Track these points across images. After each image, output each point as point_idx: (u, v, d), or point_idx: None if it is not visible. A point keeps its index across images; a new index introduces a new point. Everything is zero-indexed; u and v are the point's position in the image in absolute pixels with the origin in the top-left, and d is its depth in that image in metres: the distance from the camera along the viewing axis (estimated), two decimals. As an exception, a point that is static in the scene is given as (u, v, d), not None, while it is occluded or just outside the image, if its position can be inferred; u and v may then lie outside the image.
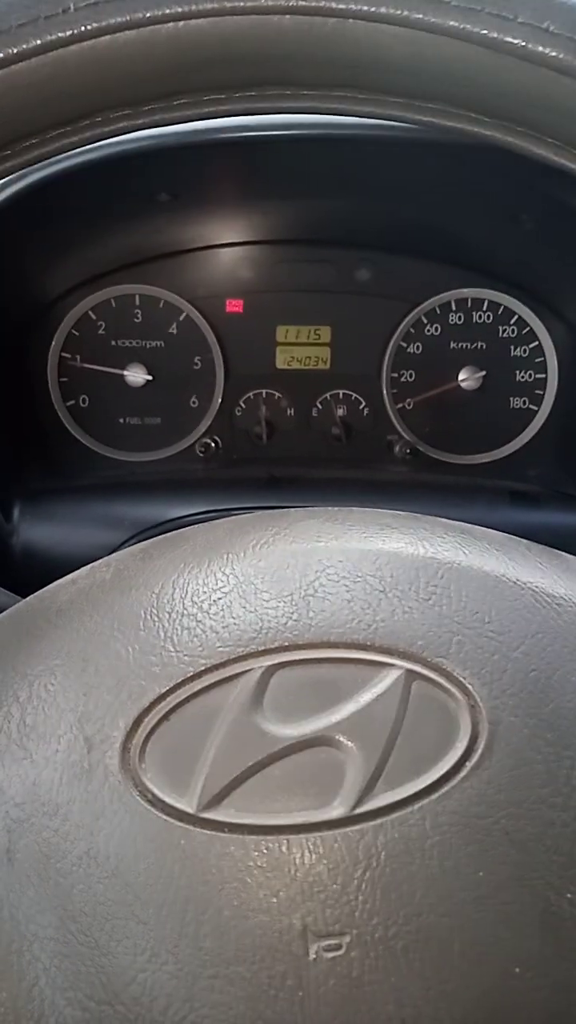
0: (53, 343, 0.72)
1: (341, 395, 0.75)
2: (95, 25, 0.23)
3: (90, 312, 0.72)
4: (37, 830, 0.23)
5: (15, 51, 0.23)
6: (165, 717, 0.24)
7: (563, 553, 0.29)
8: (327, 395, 0.75)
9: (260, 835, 0.22)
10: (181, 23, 0.24)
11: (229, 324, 0.74)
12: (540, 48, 0.23)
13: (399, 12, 0.23)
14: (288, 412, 0.75)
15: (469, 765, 0.23)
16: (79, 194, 0.59)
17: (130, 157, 0.56)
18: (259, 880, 0.22)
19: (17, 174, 0.57)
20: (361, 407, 0.75)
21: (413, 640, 0.25)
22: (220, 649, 0.25)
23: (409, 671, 0.24)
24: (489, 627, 0.25)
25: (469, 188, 0.65)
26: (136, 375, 0.73)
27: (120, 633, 0.26)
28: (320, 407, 0.75)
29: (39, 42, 0.23)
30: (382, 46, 0.24)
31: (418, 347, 0.74)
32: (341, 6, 0.23)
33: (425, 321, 0.74)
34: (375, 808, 0.22)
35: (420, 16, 0.23)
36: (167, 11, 0.23)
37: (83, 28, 0.23)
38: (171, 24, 0.24)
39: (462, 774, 0.23)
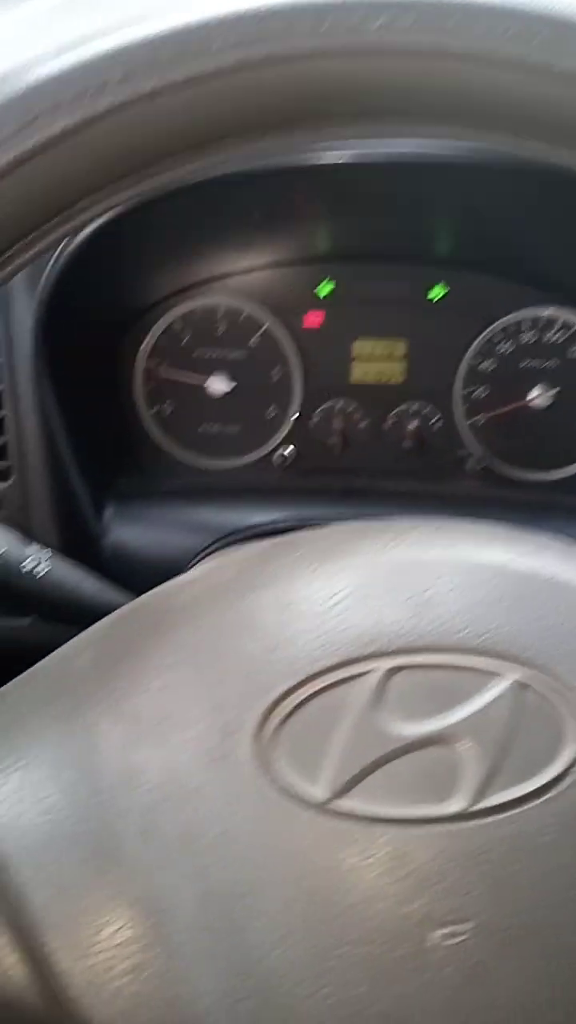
0: (140, 351, 0.75)
1: (414, 409, 0.77)
2: (238, 59, 0.25)
3: (175, 323, 0.75)
4: (174, 812, 0.25)
5: (169, 82, 0.26)
6: (294, 710, 0.26)
7: None
8: (400, 409, 0.77)
9: (385, 825, 0.24)
10: (311, 61, 0.26)
11: (308, 337, 0.76)
12: None
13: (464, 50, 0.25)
14: (362, 424, 0.77)
15: None
16: (182, 211, 0.62)
17: (231, 178, 0.59)
18: (384, 867, 0.24)
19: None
20: (433, 421, 0.77)
21: (525, 648, 0.27)
22: (342, 650, 0.27)
23: (521, 678, 0.26)
24: None
25: (546, 211, 0.66)
26: (218, 384, 0.76)
27: (246, 630, 0.28)
28: (393, 420, 0.77)
29: (184, 76, 0.26)
30: (499, 85, 0.25)
31: (491, 364, 0.76)
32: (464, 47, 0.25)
33: (498, 338, 0.75)
34: (491, 806, 0.24)
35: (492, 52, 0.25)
36: (302, 49, 0.25)
37: (225, 63, 0.25)
38: (303, 63, 0.26)
39: (572, 777, 0.25)
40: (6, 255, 0.27)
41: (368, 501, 0.70)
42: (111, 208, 0.28)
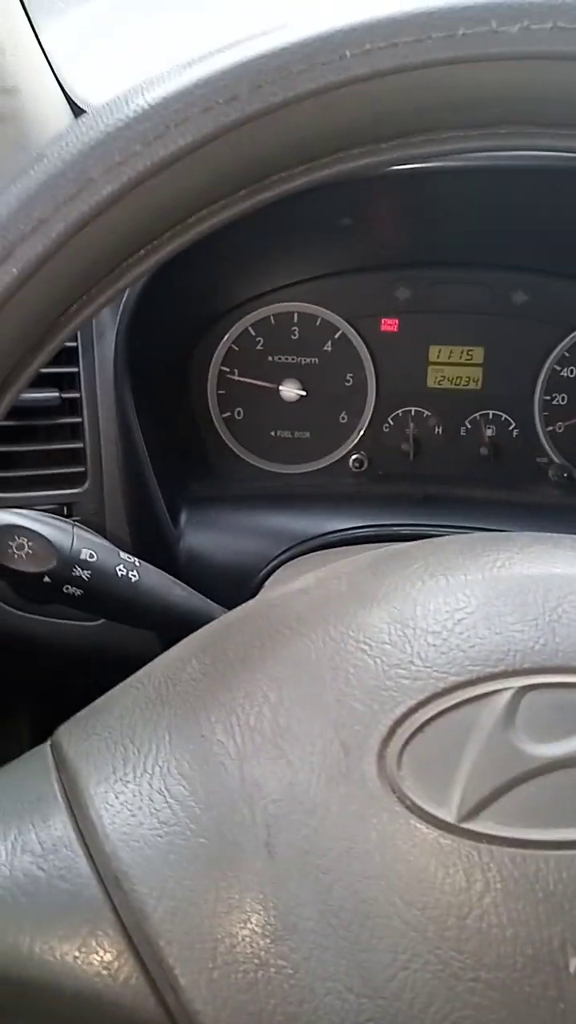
0: (214, 356, 0.75)
1: (491, 415, 0.75)
2: (367, 70, 0.25)
3: (250, 328, 0.75)
4: (296, 827, 0.25)
5: (292, 95, 0.25)
6: (420, 729, 0.25)
7: None
8: (476, 415, 0.75)
9: (519, 848, 0.23)
10: (446, 68, 0.25)
11: (383, 343, 0.75)
12: None
13: None
14: (436, 430, 0.76)
15: None
16: (268, 220, 0.62)
17: (320, 187, 0.59)
18: (520, 891, 0.23)
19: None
20: (511, 428, 0.75)
21: None
22: (470, 668, 0.26)
23: None
24: None
25: None
26: (290, 390, 0.75)
27: (366, 645, 0.27)
28: (469, 427, 0.76)
29: (314, 86, 0.25)
30: None
31: (572, 371, 0.74)
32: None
33: (581, 345, 0.74)
34: None
35: None
36: (436, 57, 0.25)
37: (355, 73, 0.25)
38: (418, 72, 0.25)
39: None
40: (126, 263, 0.26)
41: (444, 508, 0.69)
42: (225, 223, 0.27)
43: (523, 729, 0.25)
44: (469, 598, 0.28)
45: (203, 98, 0.24)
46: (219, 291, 0.72)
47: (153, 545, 0.65)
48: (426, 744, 0.25)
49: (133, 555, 0.51)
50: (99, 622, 0.64)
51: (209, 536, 0.67)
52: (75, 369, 0.63)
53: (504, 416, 0.75)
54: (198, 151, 0.25)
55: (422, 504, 0.69)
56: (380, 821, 0.24)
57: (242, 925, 0.24)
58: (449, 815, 0.24)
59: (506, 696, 0.25)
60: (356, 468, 0.76)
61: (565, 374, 0.74)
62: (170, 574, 0.54)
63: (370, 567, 0.31)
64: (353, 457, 0.76)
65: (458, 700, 0.25)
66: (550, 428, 0.75)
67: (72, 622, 0.65)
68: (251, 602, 0.33)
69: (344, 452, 0.77)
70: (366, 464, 0.76)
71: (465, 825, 0.24)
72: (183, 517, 0.68)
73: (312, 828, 0.24)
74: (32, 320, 0.26)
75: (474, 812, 0.24)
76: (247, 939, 0.24)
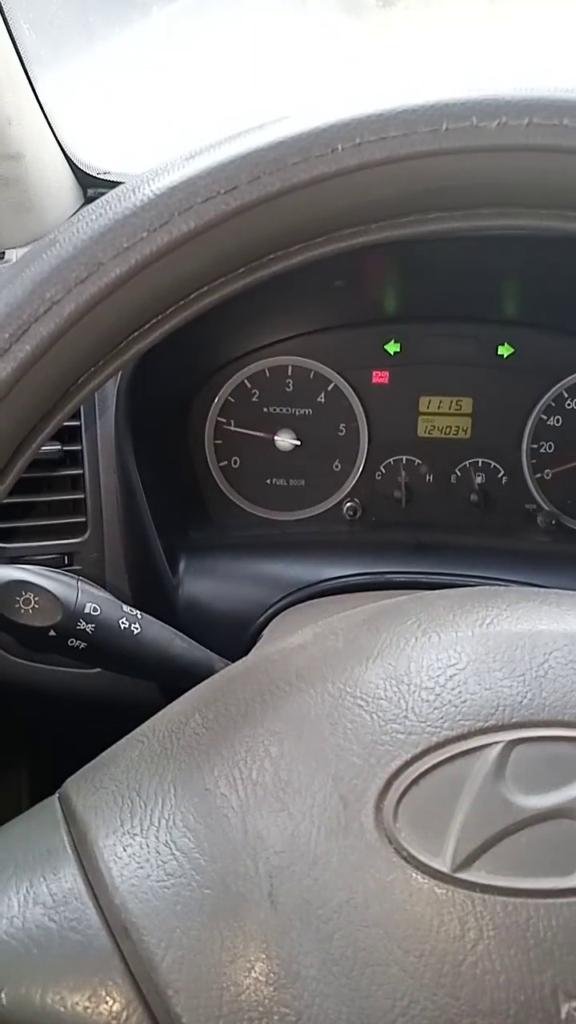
0: (212, 408, 0.77)
1: (480, 463, 0.77)
2: (356, 162, 0.27)
3: (246, 381, 0.77)
4: (298, 878, 0.26)
5: (288, 184, 0.27)
6: (415, 782, 0.27)
7: None
8: (466, 463, 0.77)
9: (511, 896, 0.24)
10: (432, 160, 0.27)
11: (374, 394, 0.77)
12: None
13: None
14: (427, 478, 0.78)
15: None
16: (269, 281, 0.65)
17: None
18: (512, 939, 0.24)
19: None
20: (500, 476, 0.77)
21: None
22: (461, 722, 0.27)
23: None
24: None
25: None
26: (285, 440, 0.77)
27: (363, 700, 0.29)
28: (459, 474, 0.78)
29: (307, 177, 0.27)
30: None
31: (558, 420, 0.76)
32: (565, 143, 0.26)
33: (566, 395, 0.76)
34: None
35: None
36: (420, 150, 0.27)
37: (346, 164, 0.27)
38: (421, 161, 0.27)
39: None
40: (132, 336, 0.28)
41: (437, 556, 0.70)
42: (226, 297, 0.29)
43: (513, 781, 0.26)
44: (460, 654, 0.29)
45: (206, 188, 0.26)
46: (217, 345, 0.75)
47: (152, 593, 0.66)
48: (421, 796, 0.26)
49: (132, 603, 0.52)
50: (94, 670, 0.65)
51: (207, 584, 0.68)
52: (77, 423, 0.64)
53: (493, 464, 0.77)
54: (200, 236, 0.27)
55: (415, 551, 0.71)
56: (378, 871, 0.25)
57: (247, 973, 0.25)
58: (443, 865, 0.25)
59: (496, 749, 0.27)
60: (350, 516, 0.77)
61: (551, 423, 0.76)
62: (169, 622, 0.55)
63: (365, 623, 0.33)
64: (347, 504, 0.78)
65: (451, 754, 0.27)
66: (538, 475, 0.77)
67: (71, 670, 0.66)
68: (251, 656, 0.35)
69: (338, 499, 0.78)
70: (360, 511, 0.78)
71: (459, 875, 0.25)
72: (182, 565, 0.70)
73: (313, 879, 0.26)
74: (45, 392, 0.27)
75: (467, 862, 0.25)
76: (251, 987, 0.24)
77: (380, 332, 0.77)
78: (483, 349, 0.76)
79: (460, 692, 0.28)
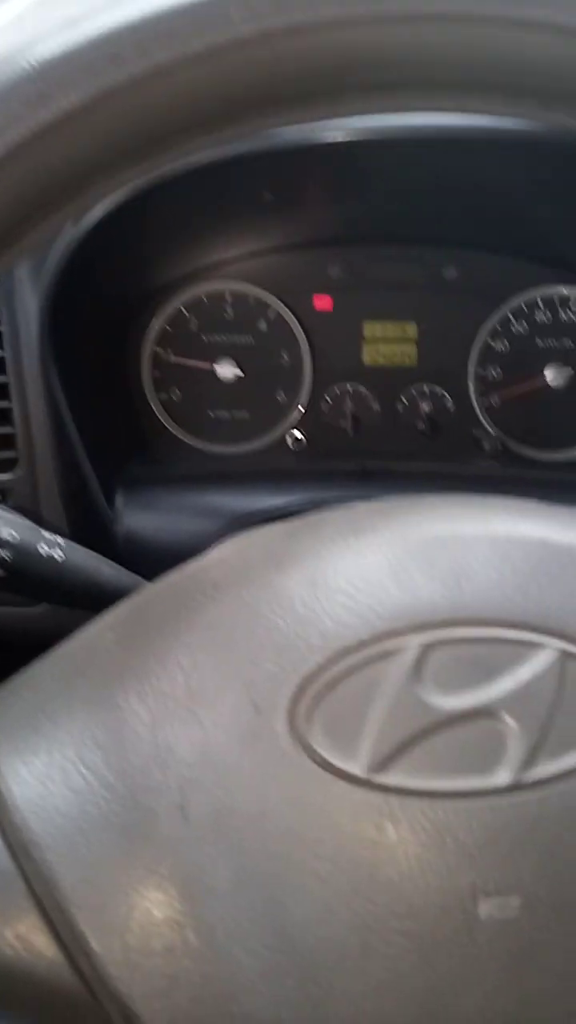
0: (147, 338, 0.74)
1: (427, 390, 0.76)
2: (256, 32, 0.24)
3: (182, 308, 0.74)
4: (209, 789, 0.24)
5: (181, 55, 0.25)
6: (328, 686, 0.25)
7: None
8: (413, 390, 0.76)
9: (428, 799, 0.24)
10: (337, 30, 0.25)
11: (317, 320, 0.75)
12: None
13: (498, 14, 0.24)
14: (374, 406, 0.76)
15: None
16: (187, 196, 0.61)
17: (242, 160, 0.58)
18: (428, 842, 0.23)
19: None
20: (447, 403, 0.76)
21: (567, 620, 0.26)
22: (378, 624, 0.26)
23: (564, 651, 0.25)
24: None
25: (559, 185, 0.65)
26: (226, 369, 0.75)
27: (278, 607, 0.27)
28: (406, 402, 0.76)
29: (205, 47, 0.25)
30: (525, 50, 0.24)
31: (505, 344, 0.75)
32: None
33: (512, 318, 0.74)
34: (539, 778, 0.24)
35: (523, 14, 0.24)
36: (325, 15, 0.24)
37: (245, 35, 0.24)
38: (327, 32, 0.25)
39: None
40: (16, 232, 0.26)
41: (382, 482, 0.69)
42: (121, 186, 0.27)
43: (431, 682, 0.25)
44: (379, 558, 0.28)
45: (90, 61, 0.24)
46: (146, 271, 0.71)
47: (89, 528, 0.64)
48: (336, 700, 0.25)
49: (71, 539, 0.50)
50: (40, 608, 0.63)
51: (148, 518, 0.66)
52: (1, 354, 0.62)
53: (440, 391, 0.76)
54: (84, 114, 0.24)
55: (361, 478, 0.70)
56: (291, 778, 0.24)
57: (156, 889, 0.24)
58: (358, 769, 0.24)
59: (414, 650, 0.25)
60: (295, 446, 0.76)
61: (498, 347, 0.75)
62: (109, 557, 0.53)
63: (285, 533, 0.31)
64: (292, 435, 0.76)
65: (367, 656, 0.26)
66: (486, 401, 0.75)
67: (15, 609, 0.65)
68: (171, 573, 0.33)
69: (283, 431, 0.76)
70: (306, 442, 0.76)
71: (374, 778, 0.24)
72: (119, 499, 0.67)
73: (225, 789, 0.24)
74: None
75: (383, 765, 0.24)
76: (162, 903, 0.23)
77: (321, 255, 0.74)
78: (428, 272, 0.74)
79: (377, 595, 0.27)
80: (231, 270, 0.74)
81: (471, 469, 0.73)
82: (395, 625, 0.26)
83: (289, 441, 0.76)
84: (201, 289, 0.74)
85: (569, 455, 0.74)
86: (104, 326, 0.71)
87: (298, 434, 0.76)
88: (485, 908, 0.23)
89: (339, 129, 0.60)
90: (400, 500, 0.33)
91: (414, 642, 0.26)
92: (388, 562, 0.28)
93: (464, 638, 0.26)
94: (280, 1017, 0.23)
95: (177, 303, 0.74)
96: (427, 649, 0.25)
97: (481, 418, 0.75)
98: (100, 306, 0.69)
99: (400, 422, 0.76)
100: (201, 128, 0.27)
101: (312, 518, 0.33)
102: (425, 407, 0.75)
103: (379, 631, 0.26)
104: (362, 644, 0.26)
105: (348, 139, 0.59)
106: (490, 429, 0.75)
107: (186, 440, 0.76)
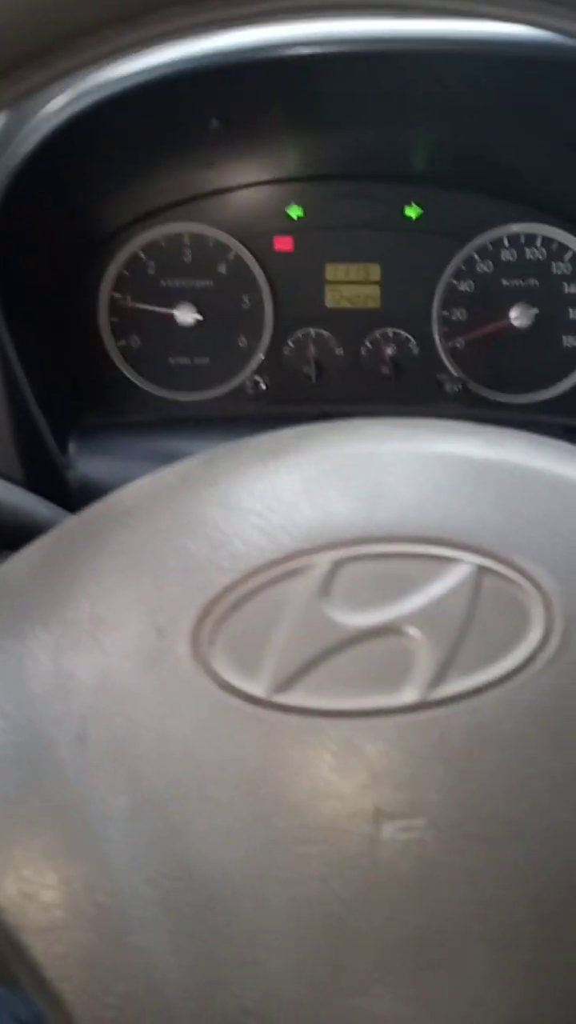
0: (103, 283, 0.72)
1: (391, 334, 0.74)
2: None
3: (139, 252, 0.72)
4: (110, 715, 0.24)
5: None
6: (234, 607, 0.24)
7: None
8: (377, 334, 0.74)
9: (332, 718, 0.23)
10: None
11: (278, 263, 0.73)
12: None
13: None
14: (337, 351, 0.75)
15: (543, 657, 0.23)
16: (131, 122, 0.59)
17: (179, 80, 0.56)
18: (331, 762, 0.22)
19: (72, 99, 0.57)
20: (411, 346, 0.74)
21: (484, 536, 0.25)
22: (288, 544, 0.25)
23: (481, 565, 0.24)
24: (561, 525, 0.25)
25: (527, 112, 0.63)
26: (186, 314, 0.73)
27: (189, 530, 0.26)
28: (369, 346, 0.75)
29: None
30: None
31: (469, 285, 0.73)
32: None
33: (477, 258, 0.73)
34: (448, 696, 0.23)
35: None
36: None
37: None
38: None
39: (536, 666, 0.23)
40: None
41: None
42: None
43: (339, 600, 0.24)
44: (295, 478, 0.27)
45: None
46: (95, 210, 0.69)
47: (42, 475, 0.63)
48: (241, 621, 0.24)
49: (23, 486, 0.49)
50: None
51: (103, 463, 0.65)
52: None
53: (404, 334, 0.74)
54: None
55: (322, 421, 0.68)
56: (191, 702, 0.23)
57: (53, 819, 0.23)
58: (260, 690, 0.23)
59: (323, 568, 0.25)
60: (258, 391, 0.74)
61: (463, 288, 0.73)
62: (63, 503, 0.52)
63: (204, 459, 0.30)
64: (255, 379, 0.75)
65: (274, 576, 0.25)
66: (450, 344, 0.74)
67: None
68: (94, 504, 0.32)
69: (245, 377, 0.75)
70: (269, 388, 0.75)
71: (276, 699, 0.23)
72: (73, 446, 0.66)
73: (126, 715, 0.24)
74: None
75: (286, 685, 0.23)
76: (59, 832, 0.23)
77: (281, 195, 0.72)
78: (389, 211, 0.72)
79: (290, 514, 0.26)
80: (188, 211, 0.72)
81: (432, 411, 0.72)
82: (306, 544, 0.25)
83: (249, 387, 0.74)
84: (158, 232, 0.72)
85: (533, 397, 0.73)
86: (55, 271, 0.70)
87: (260, 380, 0.75)
88: (388, 829, 0.22)
89: (286, 44, 0.57)
90: (330, 422, 0.32)
91: (324, 560, 0.25)
92: (304, 482, 0.27)
93: (377, 553, 0.25)
94: (178, 947, 0.22)
95: (134, 247, 0.72)
96: (337, 566, 0.25)
97: (446, 361, 0.74)
98: (49, 250, 0.67)
99: (364, 366, 0.75)
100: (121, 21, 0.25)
101: (232, 444, 0.32)
102: (389, 351, 0.74)
103: (289, 550, 0.25)
104: (271, 564, 0.25)
105: (295, 54, 0.57)
106: (454, 372, 0.74)
107: (146, 388, 0.75)
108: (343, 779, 0.22)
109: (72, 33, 0.25)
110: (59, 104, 0.56)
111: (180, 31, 0.26)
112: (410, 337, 0.74)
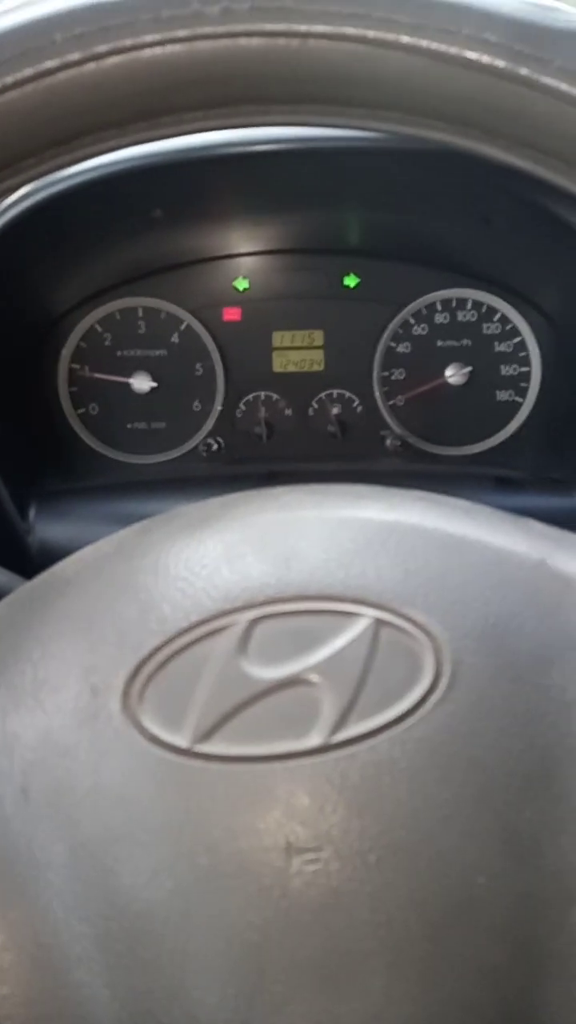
0: (63, 355, 0.76)
1: (336, 395, 0.79)
2: (80, 55, 0.25)
3: (96, 325, 0.77)
4: (49, 769, 0.26)
5: (11, 80, 0.25)
6: (161, 665, 0.27)
7: (525, 517, 0.31)
8: (323, 395, 0.79)
9: (247, 763, 0.25)
10: (159, 49, 0.25)
11: (228, 332, 0.78)
12: (481, 57, 0.25)
13: (357, 32, 0.25)
14: (286, 412, 0.79)
15: (433, 699, 0.25)
16: (79, 215, 0.64)
17: (123, 177, 0.61)
18: (247, 803, 0.25)
19: (21, 196, 0.61)
20: (355, 405, 0.79)
21: (382, 592, 0.28)
22: (209, 606, 0.28)
23: (378, 618, 0.27)
24: (452, 579, 0.28)
25: (443, 194, 0.68)
26: (142, 382, 0.77)
27: (122, 596, 0.29)
28: (316, 407, 0.79)
29: (31, 71, 0.25)
30: (342, 63, 0.25)
31: (407, 346, 0.78)
32: (303, 28, 0.25)
33: (412, 322, 0.78)
34: (348, 737, 0.25)
35: (375, 34, 0.25)
36: (146, 39, 0.25)
37: (69, 58, 0.25)
38: (149, 51, 0.25)
39: (427, 707, 0.25)
40: None
41: (291, 482, 0.72)
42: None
43: (254, 656, 0.27)
44: (218, 545, 0.30)
45: None
46: (52, 294, 0.74)
47: (4, 542, 0.66)
48: (167, 678, 0.27)
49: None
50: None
51: (62, 527, 0.68)
52: None
53: (348, 394, 0.79)
54: None
55: (271, 481, 0.72)
56: (122, 754, 0.26)
57: None
58: (183, 741, 0.26)
59: (240, 627, 0.28)
60: (211, 453, 0.78)
61: (401, 350, 0.78)
62: (23, 568, 0.55)
63: (139, 529, 0.33)
64: (208, 442, 0.78)
65: (197, 636, 0.28)
66: (391, 402, 0.78)
67: None
68: (39, 576, 0.35)
69: (199, 439, 0.79)
70: (221, 449, 0.79)
71: (198, 748, 0.26)
72: (32, 511, 0.69)
73: (64, 769, 0.26)
74: None
75: (207, 735, 0.26)
76: (3, 880, 0.25)
77: (228, 269, 0.77)
78: (330, 281, 0.77)
79: (212, 579, 0.29)
80: (142, 286, 0.76)
81: (376, 466, 0.76)
82: (225, 605, 0.28)
83: (202, 449, 0.78)
84: (113, 306, 0.77)
85: (469, 450, 0.78)
86: (14, 347, 0.73)
87: (213, 442, 0.78)
88: (297, 862, 0.24)
89: (225, 143, 0.63)
90: (252, 491, 0.35)
91: (242, 619, 0.28)
92: (224, 548, 0.30)
93: (288, 611, 0.28)
94: (112, 981, 0.24)
95: (91, 321, 0.76)
96: (253, 624, 0.28)
97: (387, 419, 0.78)
98: (7, 327, 0.71)
99: (311, 426, 0.79)
100: (53, 151, 0.28)
101: (168, 513, 0.35)
102: (335, 410, 0.78)
103: (211, 611, 0.28)
104: (195, 624, 0.28)
105: (230, 152, 0.62)
106: (395, 428, 0.78)
107: (104, 453, 0.78)
108: (257, 818, 0.25)
109: (16, 156, 0.28)
110: (8, 202, 0.60)
111: (111, 149, 0.29)
112: (354, 397, 0.79)
